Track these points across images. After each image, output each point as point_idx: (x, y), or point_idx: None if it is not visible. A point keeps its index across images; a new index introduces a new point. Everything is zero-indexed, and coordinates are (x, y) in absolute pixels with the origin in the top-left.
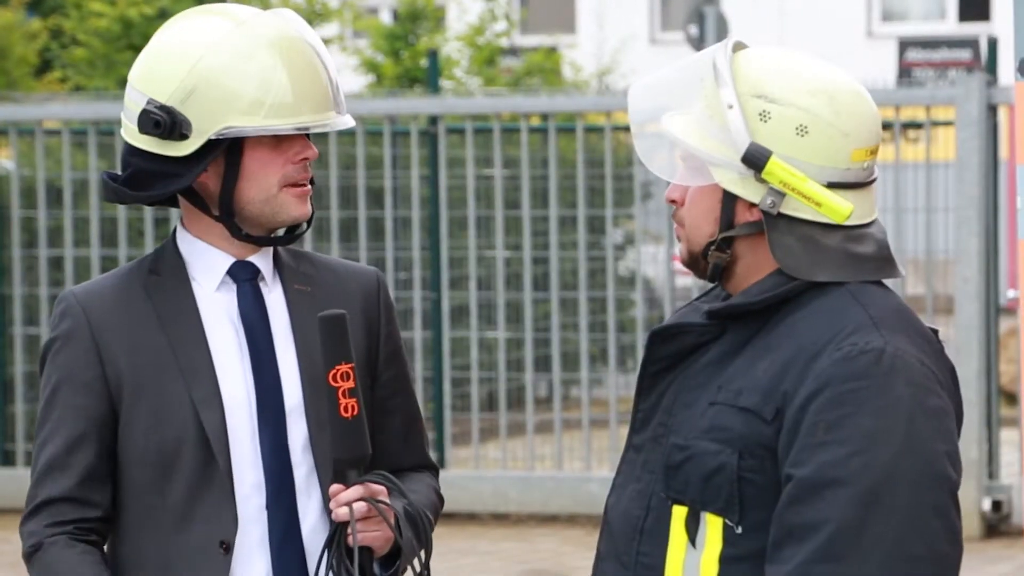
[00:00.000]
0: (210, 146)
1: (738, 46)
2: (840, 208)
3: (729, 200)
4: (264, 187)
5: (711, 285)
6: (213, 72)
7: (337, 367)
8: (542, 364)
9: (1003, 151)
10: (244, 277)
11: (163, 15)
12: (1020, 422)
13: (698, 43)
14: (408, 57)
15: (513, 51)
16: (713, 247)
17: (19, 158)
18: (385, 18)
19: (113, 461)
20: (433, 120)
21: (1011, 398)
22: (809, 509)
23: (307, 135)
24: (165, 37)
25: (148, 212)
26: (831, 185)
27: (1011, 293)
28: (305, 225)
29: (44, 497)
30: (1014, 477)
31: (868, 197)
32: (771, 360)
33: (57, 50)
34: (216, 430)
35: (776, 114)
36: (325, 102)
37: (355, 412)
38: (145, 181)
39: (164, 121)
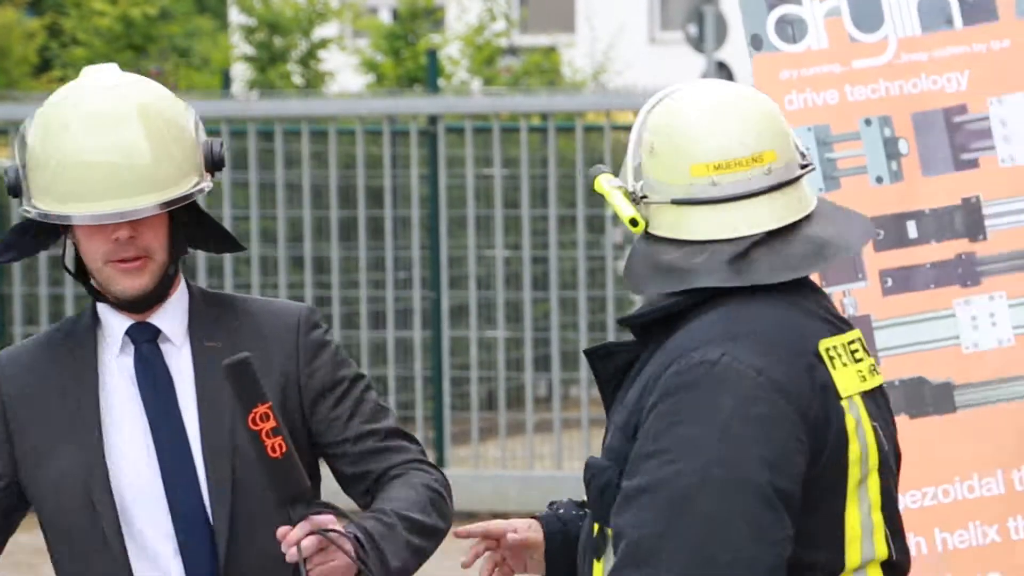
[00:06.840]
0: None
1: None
2: (623, 213)
3: None
4: (93, 260)
5: None
6: (33, 147)
7: (254, 410)
8: (541, 363)
9: None
10: (142, 339)
11: (164, 15)
12: None
13: (697, 42)
14: (408, 57)
15: (512, 51)
16: None
17: None
18: (385, 18)
19: (10, 518)
20: (432, 119)
21: None
22: (621, 516)
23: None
24: None
25: None
26: (677, 202)
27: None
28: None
29: None
30: None
31: (730, 213)
32: (644, 376)
33: (57, 49)
34: (104, 501)
35: (646, 142)
36: (134, 185)
37: (283, 450)
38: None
39: (13, 186)
